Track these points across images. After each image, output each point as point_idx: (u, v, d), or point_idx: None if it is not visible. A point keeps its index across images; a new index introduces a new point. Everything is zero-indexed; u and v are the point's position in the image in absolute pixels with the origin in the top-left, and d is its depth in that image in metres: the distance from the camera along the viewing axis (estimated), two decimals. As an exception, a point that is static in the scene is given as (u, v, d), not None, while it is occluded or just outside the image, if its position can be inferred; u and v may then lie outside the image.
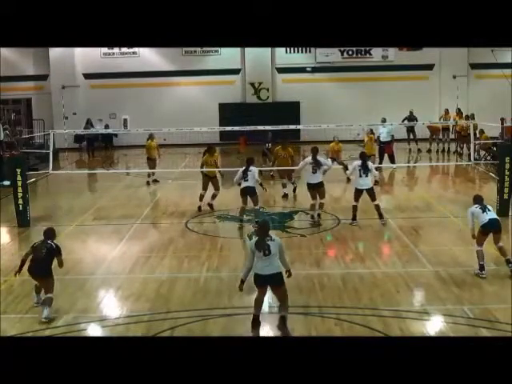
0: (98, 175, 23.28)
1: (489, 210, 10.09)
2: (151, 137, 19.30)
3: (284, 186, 16.41)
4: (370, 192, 13.42)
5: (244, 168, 13.46)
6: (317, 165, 13.46)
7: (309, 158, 13.64)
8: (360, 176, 13.32)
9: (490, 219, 9.98)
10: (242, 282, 8.05)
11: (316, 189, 13.60)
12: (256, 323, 8.09)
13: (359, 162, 13.40)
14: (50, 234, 9.01)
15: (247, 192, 13.38)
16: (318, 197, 13.68)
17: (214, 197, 15.13)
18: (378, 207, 13.45)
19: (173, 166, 23.42)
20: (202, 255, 11.54)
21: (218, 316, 8.60)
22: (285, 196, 16.30)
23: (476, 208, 10.15)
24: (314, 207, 13.72)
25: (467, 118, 24.48)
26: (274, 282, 7.94)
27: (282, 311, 8.14)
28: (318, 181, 13.57)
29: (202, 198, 15.14)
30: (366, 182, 13.32)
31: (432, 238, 12.56)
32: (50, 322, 8.43)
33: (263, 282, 7.95)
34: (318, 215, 13.75)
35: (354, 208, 13.47)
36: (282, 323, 8.06)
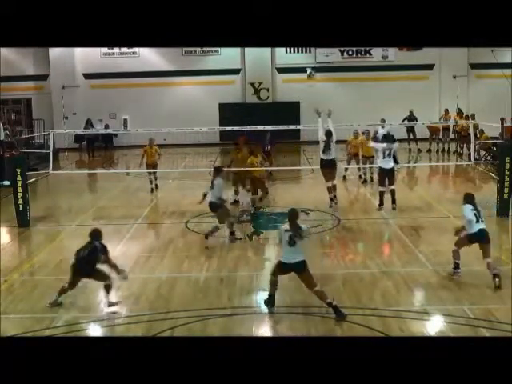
0: (98, 175, 23.27)
1: (482, 220, 9.77)
2: (150, 142, 18.34)
3: (236, 192, 15.87)
4: (391, 174, 13.86)
5: (212, 179, 12.41)
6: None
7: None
8: (384, 158, 13.79)
9: (480, 230, 9.73)
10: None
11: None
12: (271, 300, 8.68)
13: (384, 145, 13.89)
14: (96, 234, 9.14)
15: (211, 207, 12.36)
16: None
17: (261, 199, 14.75)
18: (393, 192, 13.85)
19: (173, 166, 23.40)
20: (202, 255, 11.54)
21: (218, 316, 8.60)
22: (235, 202, 15.67)
23: (471, 210, 9.83)
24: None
25: (467, 118, 24.46)
26: (298, 268, 8.47)
27: (323, 299, 8.42)
28: None
29: (254, 202, 14.81)
30: (390, 164, 13.80)
31: (432, 238, 12.54)
32: (114, 305, 8.86)
33: (287, 269, 8.56)
34: (334, 197, 14.29)
35: (381, 194, 13.90)
36: (334, 309, 8.34)
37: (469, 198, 10.08)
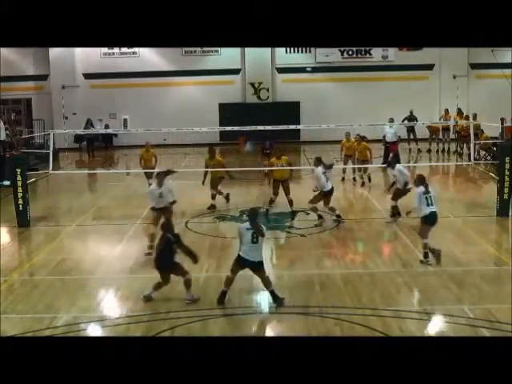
0: (98, 175, 23.28)
1: (433, 203, 10.48)
2: (145, 146, 17.88)
3: (213, 197, 15.42)
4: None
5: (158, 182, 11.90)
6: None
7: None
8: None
9: (431, 212, 10.47)
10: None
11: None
12: (223, 297, 8.93)
13: (406, 174, 13.76)
14: (167, 226, 9.28)
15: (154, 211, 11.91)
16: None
17: (290, 203, 14.49)
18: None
19: (173, 166, 23.37)
20: (202, 255, 11.51)
21: (218, 316, 8.60)
22: (212, 207, 15.30)
23: (423, 195, 10.46)
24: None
25: (467, 118, 24.46)
26: (257, 267, 8.85)
27: (269, 287, 8.92)
28: None
29: (271, 202, 14.65)
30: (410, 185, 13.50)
31: (432, 238, 12.54)
32: (194, 302, 8.98)
33: (246, 264, 8.83)
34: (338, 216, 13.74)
35: (395, 207, 13.65)
36: (274, 296, 8.88)
37: (420, 181, 10.72)
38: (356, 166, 18.48)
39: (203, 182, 15.45)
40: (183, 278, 9.12)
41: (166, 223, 9.47)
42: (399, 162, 20.68)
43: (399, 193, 13.66)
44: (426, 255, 10.55)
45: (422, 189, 10.55)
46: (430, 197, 10.50)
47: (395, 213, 13.61)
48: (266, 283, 8.94)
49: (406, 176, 13.73)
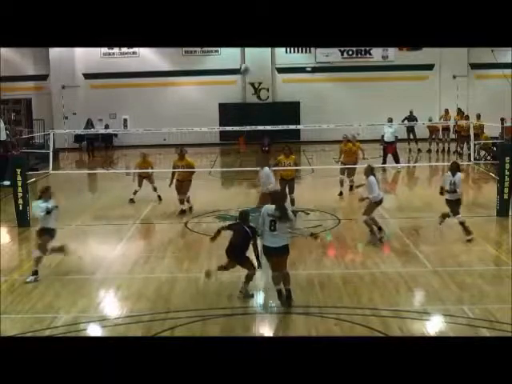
0: (98, 175, 23.28)
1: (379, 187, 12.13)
2: (142, 156, 17.05)
3: (181, 202, 15.02)
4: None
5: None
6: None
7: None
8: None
9: (382, 197, 12.15)
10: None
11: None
12: (280, 295, 8.77)
13: (449, 173, 12.52)
14: (244, 217, 9.21)
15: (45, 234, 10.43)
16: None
17: (292, 202, 14.25)
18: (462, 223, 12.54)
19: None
20: (202, 255, 11.52)
21: (218, 316, 8.59)
22: (182, 212, 14.92)
23: (376, 183, 11.88)
24: None
25: (467, 118, 24.47)
26: (280, 252, 8.66)
27: (286, 285, 8.79)
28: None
29: (292, 201, 14.52)
30: (454, 194, 12.38)
31: (432, 238, 12.55)
32: (246, 297, 9.09)
33: (272, 252, 8.65)
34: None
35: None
36: (288, 295, 8.77)
37: (372, 171, 11.94)
38: (342, 167, 17.71)
39: (170, 185, 15.15)
40: (248, 272, 9.13)
41: (244, 212, 9.30)
42: (398, 162, 20.79)
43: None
44: (380, 228, 12.00)
45: (373, 178, 11.83)
46: (379, 182, 12.20)
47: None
48: (286, 279, 8.81)
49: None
